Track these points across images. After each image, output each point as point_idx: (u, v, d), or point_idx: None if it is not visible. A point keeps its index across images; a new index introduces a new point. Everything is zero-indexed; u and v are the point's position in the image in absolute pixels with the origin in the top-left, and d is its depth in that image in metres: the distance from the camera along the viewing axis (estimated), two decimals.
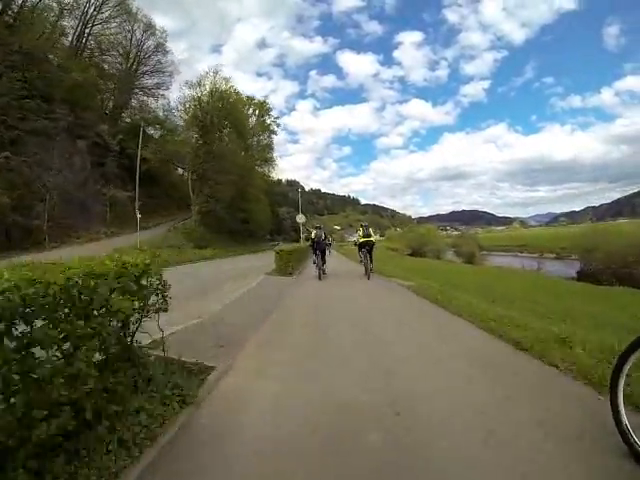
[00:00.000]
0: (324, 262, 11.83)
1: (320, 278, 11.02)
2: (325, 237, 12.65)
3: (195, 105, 36.35)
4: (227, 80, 40.20)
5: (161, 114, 44.22)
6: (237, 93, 44.09)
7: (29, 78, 27.06)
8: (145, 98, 46.60)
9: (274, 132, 53.89)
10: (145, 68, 46.47)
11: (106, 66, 42.17)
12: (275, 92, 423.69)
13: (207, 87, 37.23)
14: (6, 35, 27.22)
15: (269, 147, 53.86)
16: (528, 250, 60.29)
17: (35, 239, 22.88)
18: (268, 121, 53.37)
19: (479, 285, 12.88)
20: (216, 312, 6.12)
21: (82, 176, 28.12)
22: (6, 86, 24.64)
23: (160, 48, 46.48)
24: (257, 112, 53.11)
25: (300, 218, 29.09)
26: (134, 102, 46.36)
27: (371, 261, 11.36)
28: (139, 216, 21.30)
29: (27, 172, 23.76)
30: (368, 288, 9.27)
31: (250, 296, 7.98)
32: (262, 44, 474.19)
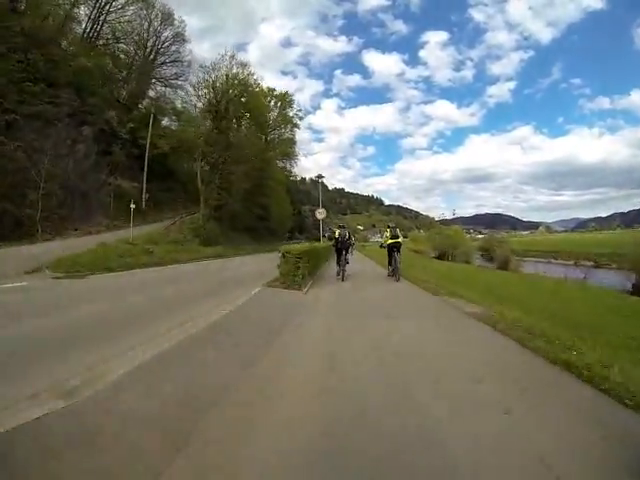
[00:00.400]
0: (347, 262, 11.50)
1: (343, 279, 10.72)
2: (349, 237, 11.95)
3: (208, 89, 33.50)
4: (245, 65, 37.21)
5: (179, 105, 41.76)
6: (257, 84, 41.13)
7: (32, 61, 24.90)
8: (163, 88, 44.30)
9: (297, 125, 50.67)
10: (163, 58, 44.13)
11: (122, 55, 40.07)
12: (300, 91, 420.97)
13: (222, 71, 34.33)
14: (10, 18, 25.14)
15: (291, 141, 50.75)
16: (561, 256, 52.60)
17: (28, 230, 20.53)
18: (290, 114, 50.16)
19: (563, 308, 9.12)
20: (104, 389, 2.81)
21: (86, 164, 25.68)
22: (3, 67, 22.40)
23: (178, 37, 44.04)
24: (279, 104, 50.03)
25: (320, 213, 25.65)
26: (152, 93, 44.22)
27: (399, 262, 10.83)
28: (133, 206, 18.54)
29: (22, 158, 21.43)
30: (421, 322, 5.84)
31: (211, 338, 4.62)
32: (287, 43, 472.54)
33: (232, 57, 35.58)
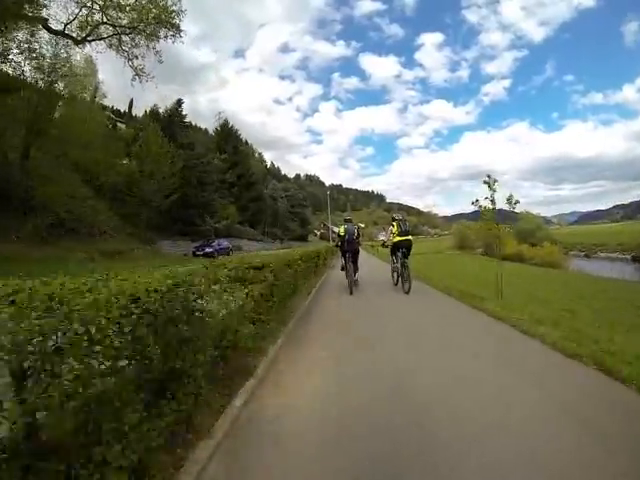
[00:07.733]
0: (356, 269, 8.08)
1: (351, 292, 7.27)
2: (358, 234, 8.02)
3: None
4: None
5: None
6: None
7: None
8: None
9: None
10: None
11: None
12: (299, 94, 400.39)
13: None
14: None
15: None
16: (601, 250, 44.28)
17: None
18: None
19: None
20: None
21: None
22: None
23: None
24: None
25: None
26: None
27: (408, 268, 7.24)
28: None
29: None
30: None
31: None
32: (285, 48, 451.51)
33: None
